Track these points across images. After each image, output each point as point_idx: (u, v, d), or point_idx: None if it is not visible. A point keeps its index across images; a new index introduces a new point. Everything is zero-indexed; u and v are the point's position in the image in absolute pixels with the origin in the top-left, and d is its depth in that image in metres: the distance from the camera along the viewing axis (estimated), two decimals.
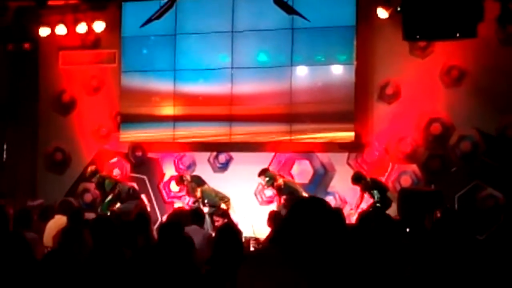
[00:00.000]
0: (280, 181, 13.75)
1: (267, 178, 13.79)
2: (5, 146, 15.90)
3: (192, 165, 15.39)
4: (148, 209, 14.60)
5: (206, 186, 14.34)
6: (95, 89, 16.15)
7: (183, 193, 14.82)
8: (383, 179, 13.79)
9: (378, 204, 13.12)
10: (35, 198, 14.12)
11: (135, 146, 15.78)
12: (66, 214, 9.54)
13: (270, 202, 14.47)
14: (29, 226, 8.44)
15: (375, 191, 13.26)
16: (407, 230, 8.80)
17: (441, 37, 12.18)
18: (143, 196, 14.80)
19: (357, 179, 13.48)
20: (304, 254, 3.56)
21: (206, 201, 14.01)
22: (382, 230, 5.73)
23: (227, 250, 5.40)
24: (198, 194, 14.08)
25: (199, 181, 14.46)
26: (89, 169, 14.98)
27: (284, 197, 13.67)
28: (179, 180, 14.59)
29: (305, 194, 13.74)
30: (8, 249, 5.28)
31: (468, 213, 13.02)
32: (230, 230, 5.82)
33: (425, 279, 5.54)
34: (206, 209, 13.57)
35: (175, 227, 6.25)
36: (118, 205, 14.22)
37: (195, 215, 9.88)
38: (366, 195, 13.42)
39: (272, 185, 13.79)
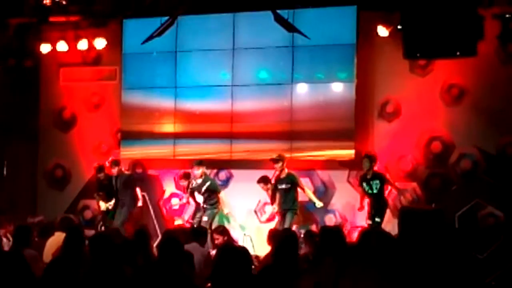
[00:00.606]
0: (286, 170, 13.74)
1: (275, 155, 13.77)
2: (5, 162, 15.87)
3: None
4: (140, 203, 14.64)
5: None
6: (96, 105, 16.17)
7: (183, 200, 14.83)
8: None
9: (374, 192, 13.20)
10: (35, 215, 14.10)
11: (136, 162, 15.76)
12: (66, 231, 9.51)
13: (270, 219, 14.42)
14: (28, 243, 8.42)
15: (377, 181, 13.19)
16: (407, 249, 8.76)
17: (441, 55, 12.17)
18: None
19: (372, 159, 13.39)
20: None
21: (207, 184, 14.00)
22: (383, 247, 5.71)
23: (229, 270, 5.36)
24: (200, 172, 14.04)
25: None
26: (97, 164, 14.97)
27: (284, 186, 13.63)
28: (185, 176, 14.50)
29: (308, 192, 13.79)
30: (7, 268, 5.26)
31: (468, 232, 13.00)
32: (233, 251, 5.79)
33: None
34: (200, 198, 13.75)
35: (175, 244, 6.23)
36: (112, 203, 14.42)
37: (195, 233, 9.86)
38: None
39: (278, 162, 13.69)
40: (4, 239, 10.25)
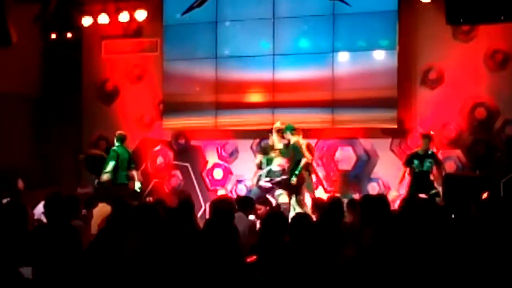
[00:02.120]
0: (294, 139, 13.17)
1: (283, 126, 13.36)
2: (50, 135, 16.04)
3: (234, 152, 15.43)
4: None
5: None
6: (138, 77, 16.26)
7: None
8: None
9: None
10: (84, 186, 14.25)
11: (178, 134, 15.86)
12: (110, 202, 9.65)
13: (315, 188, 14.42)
14: (76, 215, 8.51)
15: (431, 160, 13.02)
16: (452, 216, 8.73)
17: (485, 20, 12.05)
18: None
19: (431, 139, 13.13)
20: None
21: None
22: (428, 216, 5.69)
23: (275, 237, 5.41)
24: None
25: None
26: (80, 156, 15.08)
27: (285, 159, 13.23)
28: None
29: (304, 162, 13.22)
30: (59, 239, 5.34)
31: None
32: (279, 217, 5.81)
33: (472, 266, 5.50)
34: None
35: (227, 215, 6.23)
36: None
37: (241, 203, 9.91)
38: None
39: (285, 134, 13.26)
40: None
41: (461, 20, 11.93)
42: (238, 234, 7.52)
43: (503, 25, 12.45)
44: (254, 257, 6.22)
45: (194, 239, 6.05)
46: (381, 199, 7.64)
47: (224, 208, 6.99)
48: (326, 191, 14.41)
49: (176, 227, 7.13)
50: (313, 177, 13.73)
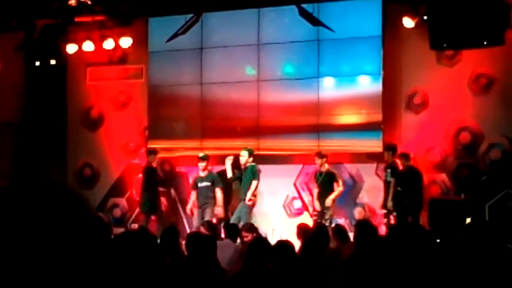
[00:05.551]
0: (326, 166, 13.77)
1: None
2: (34, 163, 15.98)
3: None
4: None
5: None
6: (123, 104, 16.24)
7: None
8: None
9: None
10: None
11: (163, 160, 15.81)
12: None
13: (299, 214, 14.43)
14: None
15: (389, 171, 13.26)
16: (437, 240, 8.73)
17: (468, 45, 12.12)
18: None
19: (389, 148, 13.51)
20: None
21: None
22: (413, 241, 5.67)
23: (259, 263, 5.37)
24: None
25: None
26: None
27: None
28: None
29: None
30: None
31: (499, 222, 12.90)
32: (263, 244, 5.78)
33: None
34: None
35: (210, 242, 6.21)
36: None
37: (230, 230, 9.94)
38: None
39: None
40: None
41: (445, 45, 11.99)
42: (221, 268, 7.49)
43: (486, 50, 12.51)
44: None
45: (177, 267, 6.02)
46: (367, 223, 7.66)
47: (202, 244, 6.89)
48: (311, 216, 14.38)
49: (158, 255, 7.07)
50: None
